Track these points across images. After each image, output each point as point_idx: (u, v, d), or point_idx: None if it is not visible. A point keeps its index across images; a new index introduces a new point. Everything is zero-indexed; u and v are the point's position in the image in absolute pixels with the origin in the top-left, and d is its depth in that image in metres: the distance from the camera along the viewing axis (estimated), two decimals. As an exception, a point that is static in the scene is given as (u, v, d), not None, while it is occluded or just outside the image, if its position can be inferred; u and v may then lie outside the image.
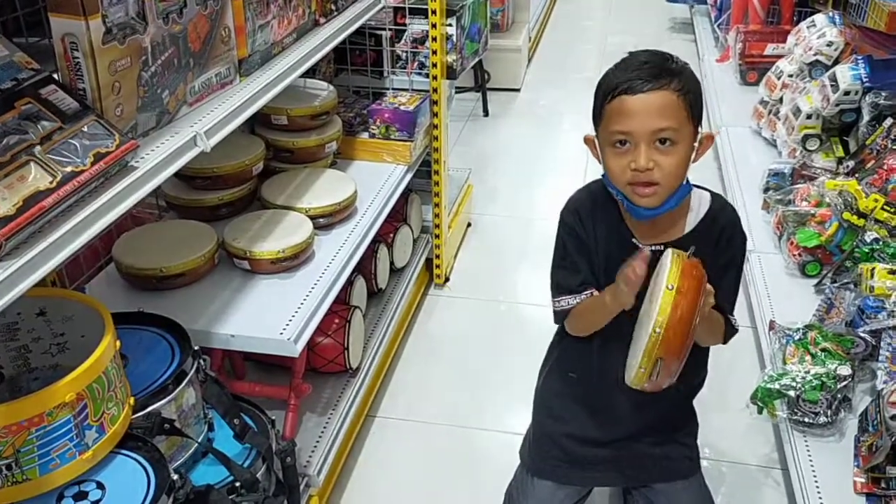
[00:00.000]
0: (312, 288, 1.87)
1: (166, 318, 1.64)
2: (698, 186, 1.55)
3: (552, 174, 3.95)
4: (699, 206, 1.53)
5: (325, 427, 2.02)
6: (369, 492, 2.13)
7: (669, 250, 1.34)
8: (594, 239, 1.55)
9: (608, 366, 1.55)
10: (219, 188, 2.09)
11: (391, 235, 2.57)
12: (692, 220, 1.52)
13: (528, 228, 3.41)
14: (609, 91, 1.39)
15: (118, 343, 1.36)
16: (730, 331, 1.56)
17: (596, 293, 1.54)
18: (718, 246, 1.52)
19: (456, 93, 4.53)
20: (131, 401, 1.40)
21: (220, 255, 1.94)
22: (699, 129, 1.43)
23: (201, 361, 1.59)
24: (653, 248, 1.48)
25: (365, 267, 2.41)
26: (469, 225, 3.38)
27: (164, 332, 1.63)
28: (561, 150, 4.22)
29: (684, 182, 1.45)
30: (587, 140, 1.51)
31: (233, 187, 2.11)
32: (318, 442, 1.97)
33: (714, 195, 1.56)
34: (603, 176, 1.48)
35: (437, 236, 2.85)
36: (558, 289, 1.59)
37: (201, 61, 1.61)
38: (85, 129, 1.28)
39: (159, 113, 1.49)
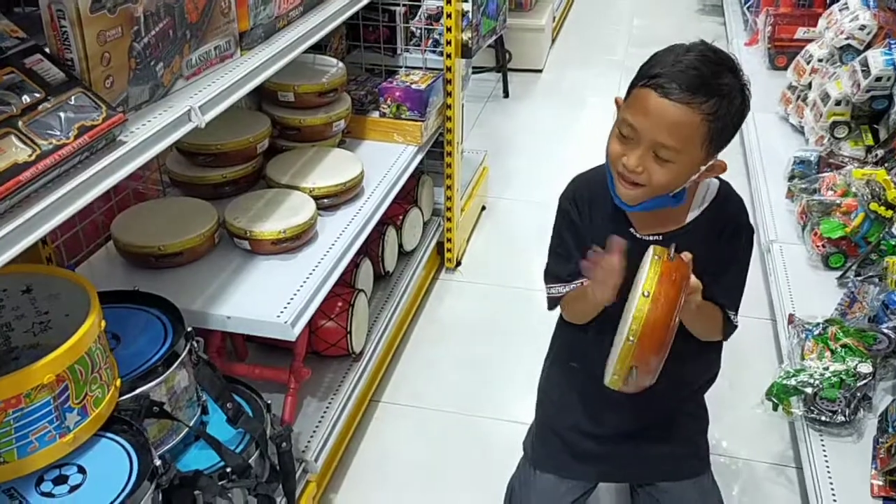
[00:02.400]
0: (313, 270, 1.82)
1: (161, 298, 1.60)
2: None
3: (572, 158, 3.81)
4: (705, 194, 1.45)
5: (325, 412, 1.98)
6: (370, 478, 2.08)
7: (651, 248, 1.28)
8: (590, 226, 1.49)
9: (606, 356, 1.49)
10: (222, 165, 2.04)
11: (400, 217, 2.51)
12: (695, 210, 1.45)
13: (545, 213, 3.25)
14: (646, 77, 1.30)
15: (103, 323, 1.31)
16: (728, 327, 1.49)
17: (587, 283, 1.47)
18: (721, 238, 1.45)
19: (476, 72, 4.45)
20: (118, 383, 1.36)
21: (220, 234, 1.89)
22: (714, 155, 1.33)
23: (194, 343, 1.54)
24: (650, 238, 1.41)
25: (372, 249, 2.36)
26: (483, 208, 3.31)
27: (159, 313, 1.59)
28: (582, 133, 4.12)
29: (672, 194, 1.36)
30: (617, 101, 1.41)
31: (236, 165, 2.06)
32: (317, 427, 1.93)
33: (723, 183, 1.48)
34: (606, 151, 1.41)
35: (449, 219, 2.79)
36: (549, 275, 1.55)
37: (199, 34, 1.55)
38: (71, 101, 1.23)
39: (153, 86, 1.44)
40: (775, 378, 2.02)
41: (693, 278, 1.30)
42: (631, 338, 1.23)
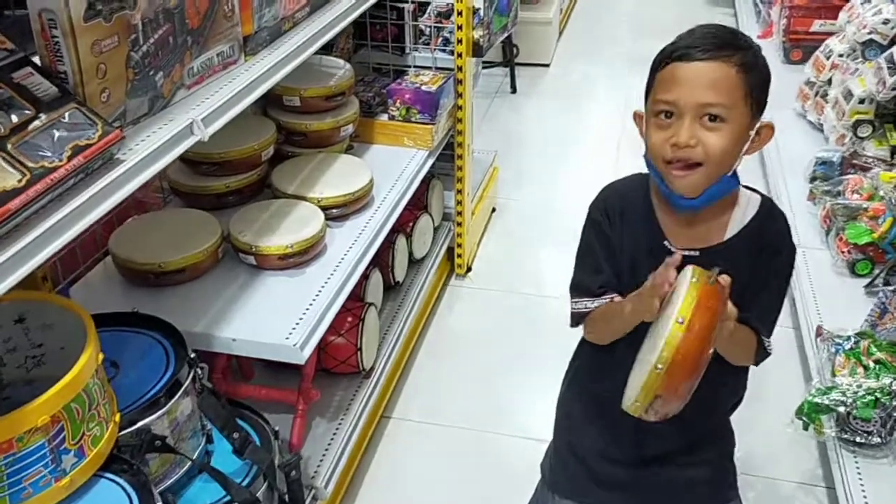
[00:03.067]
0: (322, 287, 1.73)
1: (162, 321, 1.51)
2: (747, 188, 1.38)
3: (583, 155, 3.77)
4: (745, 208, 1.35)
5: (334, 434, 1.89)
6: (381, 499, 2.00)
7: (689, 269, 1.18)
8: (621, 238, 1.40)
9: (626, 372, 1.41)
10: (225, 174, 1.95)
11: (410, 225, 2.42)
12: (735, 225, 1.35)
13: (557, 214, 3.23)
14: (663, 58, 1.25)
15: (101, 356, 1.22)
16: (761, 354, 1.39)
17: (617, 298, 1.38)
18: (761, 257, 1.35)
19: (483, 68, 4.34)
20: (117, 418, 1.27)
21: (224, 248, 1.80)
22: (758, 117, 1.26)
23: (198, 370, 1.45)
24: (686, 252, 1.31)
25: (381, 259, 2.26)
26: (494, 210, 3.22)
27: (160, 336, 1.50)
28: (592, 129, 4.03)
29: (730, 173, 1.28)
30: (636, 116, 1.35)
31: (240, 174, 1.96)
32: (326, 450, 1.84)
33: (764, 198, 1.38)
34: (645, 157, 1.33)
35: (460, 224, 2.69)
36: (576, 289, 1.44)
37: (200, 39, 1.46)
38: (64, 118, 1.14)
39: (152, 98, 1.35)
40: (806, 396, 1.93)
41: (729, 304, 1.20)
42: (659, 366, 1.13)
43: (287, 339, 1.57)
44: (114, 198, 1.17)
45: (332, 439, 1.87)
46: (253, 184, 2.00)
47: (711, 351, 1.16)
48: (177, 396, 1.38)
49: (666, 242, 1.36)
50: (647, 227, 1.37)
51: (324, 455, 1.83)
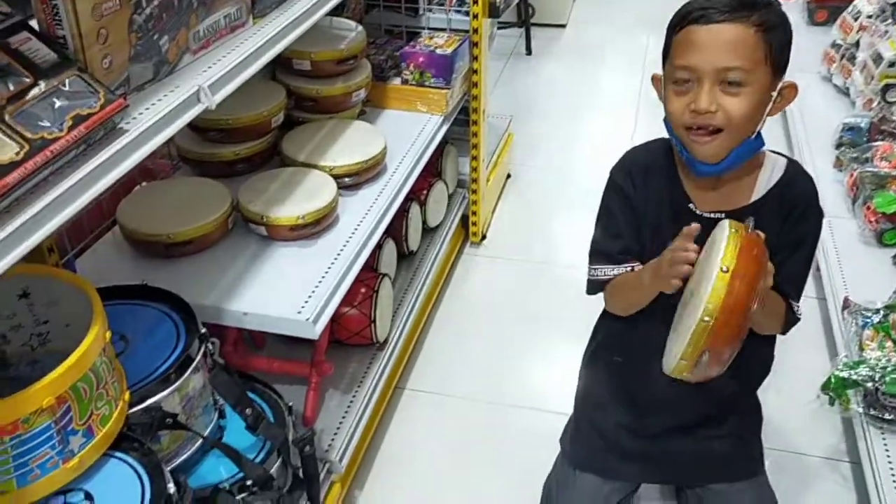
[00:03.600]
0: (335, 259, 1.68)
1: (172, 294, 1.47)
2: (774, 152, 1.34)
3: (600, 119, 3.68)
4: (772, 172, 1.32)
5: (348, 407, 1.85)
6: (396, 473, 1.97)
7: (726, 222, 1.14)
8: (644, 202, 1.36)
9: (655, 349, 1.37)
10: (234, 141, 1.89)
11: (424, 192, 2.36)
12: (761, 188, 1.32)
13: (573, 180, 3.16)
14: (679, 20, 1.22)
15: (108, 334, 1.18)
16: (791, 319, 1.36)
17: (637, 266, 1.35)
18: (788, 220, 1.31)
19: (497, 30, 4.23)
20: (126, 396, 1.23)
21: (234, 217, 1.75)
22: (780, 77, 1.23)
23: (209, 345, 1.41)
24: (711, 215, 1.28)
25: (395, 228, 2.21)
26: (509, 176, 3.15)
27: (170, 309, 1.46)
28: (610, 92, 3.93)
29: (753, 136, 1.24)
30: (654, 79, 1.32)
31: (250, 141, 1.91)
32: (341, 423, 1.81)
33: (791, 161, 1.35)
34: (665, 121, 1.29)
35: (475, 191, 2.63)
36: (595, 255, 1.41)
37: (207, 1, 1.39)
38: (64, 85, 1.08)
39: (157, 63, 1.29)
40: (832, 370, 1.88)
41: (769, 264, 1.16)
42: (706, 318, 1.08)
43: (299, 313, 1.53)
44: (117, 170, 1.11)
45: (346, 412, 1.84)
46: (263, 151, 1.94)
47: (756, 304, 1.11)
48: (188, 372, 1.34)
49: (691, 206, 1.33)
50: (670, 191, 1.34)
51: (338, 429, 1.79)
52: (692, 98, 1.20)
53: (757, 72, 1.18)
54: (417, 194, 2.33)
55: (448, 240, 2.50)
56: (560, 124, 3.60)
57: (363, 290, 1.93)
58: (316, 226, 1.72)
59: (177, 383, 1.32)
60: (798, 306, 1.36)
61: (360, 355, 2.00)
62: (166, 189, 1.78)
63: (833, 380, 1.84)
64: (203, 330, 1.40)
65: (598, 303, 1.50)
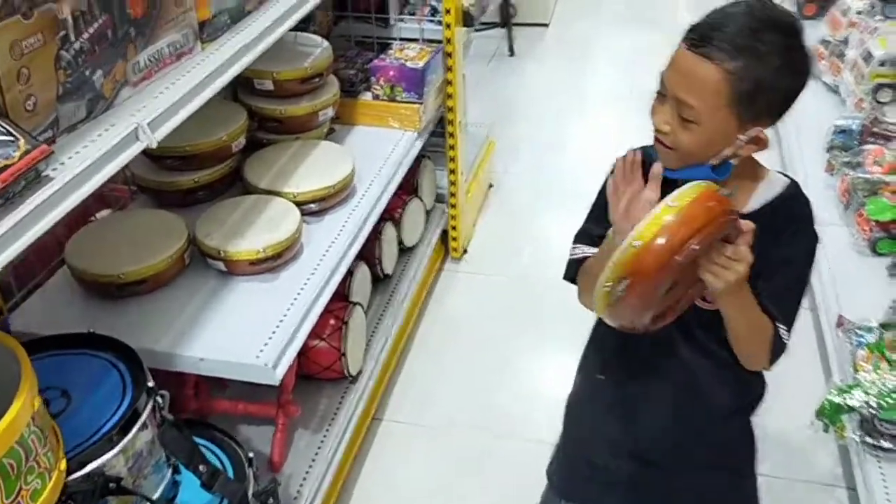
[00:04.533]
0: (298, 295, 1.58)
1: (119, 342, 1.37)
2: (782, 173, 1.28)
3: (585, 121, 3.58)
4: (769, 188, 1.25)
5: (319, 448, 1.76)
6: (373, 510, 1.88)
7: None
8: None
9: (639, 365, 1.35)
10: (193, 168, 1.79)
11: (399, 211, 2.26)
12: (756, 201, 1.24)
13: (558, 186, 3.06)
14: (685, 33, 1.17)
15: (37, 402, 1.08)
16: (777, 345, 1.26)
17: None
18: (779, 239, 1.23)
19: (478, 30, 4.13)
20: (62, 465, 1.13)
21: (191, 252, 1.65)
22: (755, 123, 1.13)
23: (158, 399, 1.32)
24: None
25: (368, 251, 2.11)
26: (490, 186, 3.05)
27: (116, 359, 1.36)
28: (595, 92, 3.83)
29: (713, 164, 1.17)
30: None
31: (210, 167, 1.80)
32: (310, 467, 1.71)
33: (792, 182, 1.27)
34: None
35: (454, 205, 2.53)
36: (579, 235, 1.37)
37: (146, 30, 1.29)
38: (-23, 135, 0.98)
39: (91, 100, 1.19)
40: (826, 395, 1.79)
41: (745, 249, 1.10)
42: (635, 242, 1.03)
43: (258, 357, 1.43)
44: (42, 223, 1.02)
45: (316, 454, 1.74)
46: (224, 177, 1.84)
47: (693, 259, 1.05)
48: (132, 432, 1.24)
49: None
50: (662, 191, 1.26)
51: (307, 473, 1.70)
52: (658, 110, 1.18)
53: (713, 115, 1.12)
54: (391, 213, 2.23)
55: (426, 259, 2.40)
56: (544, 128, 3.51)
57: (332, 321, 1.84)
58: (278, 258, 1.63)
59: (120, 444, 1.22)
60: (785, 331, 1.27)
61: (332, 389, 1.90)
62: (118, 223, 1.68)
63: (827, 405, 1.75)
64: (150, 383, 1.30)
65: (586, 318, 1.41)
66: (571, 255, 1.36)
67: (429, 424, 2.10)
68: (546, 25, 4.49)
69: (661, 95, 1.19)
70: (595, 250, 1.31)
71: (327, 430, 1.79)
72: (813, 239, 1.28)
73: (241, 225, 1.65)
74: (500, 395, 2.17)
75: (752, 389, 1.42)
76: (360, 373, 1.93)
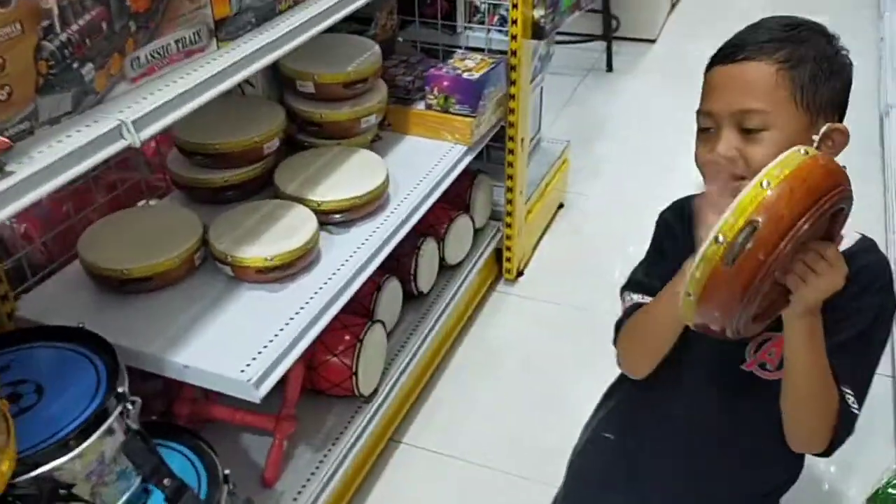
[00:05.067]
0: (301, 309, 1.51)
1: (105, 341, 1.34)
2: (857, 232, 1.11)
3: (680, 149, 3.32)
4: (842, 240, 1.06)
5: (318, 466, 1.68)
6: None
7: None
8: (686, 251, 1.13)
9: (666, 428, 1.22)
10: (223, 167, 1.75)
11: (444, 227, 2.16)
12: None
13: (636, 215, 2.80)
14: (711, 58, 1.10)
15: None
16: (844, 417, 1.05)
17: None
18: (846, 295, 1.02)
19: (575, 42, 3.98)
20: (5, 466, 1.10)
21: (203, 253, 1.61)
22: (825, 119, 1.02)
23: (128, 406, 1.27)
24: None
25: (402, 267, 2.02)
26: (561, 206, 2.90)
27: (98, 360, 1.33)
28: (694, 122, 3.59)
29: None
30: None
31: (240, 167, 1.76)
32: (304, 486, 1.64)
33: (864, 237, 1.11)
34: None
35: (510, 225, 2.41)
36: (632, 283, 1.22)
37: (150, 24, 1.25)
38: (-66, 123, 0.96)
39: (78, 93, 1.15)
40: (882, 478, 1.57)
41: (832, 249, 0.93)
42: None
43: (242, 372, 1.37)
44: (-3, 216, 0.99)
45: (312, 473, 1.67)
46: (255, 178, 1.80)
47: (790, 248, 0.84)
48: (91, 439, 1.20)
49: None
50: None
51: (300, 492, 1.63)
52: (712, 145, 1.05)
53: (781, 113, 1.00)
54: (435, 229, 2.14)
55: (470, 280, 2.29)
56: (631, 151, 3.31)
57: (347, 337, 1.76)
58: (288, 268, 1.56)
59: (77, 449, 1.19)
60: (854, 399, 1.07)
61: (343, 407, 1.83)
62: (135, 218, 1.66)
63: (880, 495, 1.53)
64: (122, 389, 1.26)
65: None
66: (624, 302, 1.20)
67: (450, 454, 1.99)
68: (652, 42, 4.27)
69: (706, 133, 1.06)
70: (647, 300, 1.16)
71: (329, 450, 1.72)
72: (889, 301, 1.08)
73: (255, 230, 1.59)
74: (534, 436, 2.02)
75: (790, 471, 1.25)
76: (374, 393, 1.84)
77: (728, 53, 1.05)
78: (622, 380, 1.33)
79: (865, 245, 1.10)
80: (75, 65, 1.13)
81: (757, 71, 1.01)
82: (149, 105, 1.19)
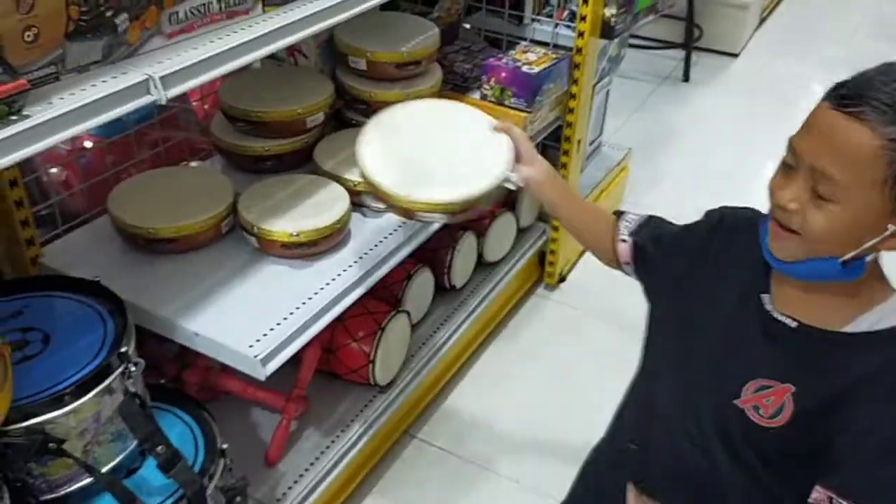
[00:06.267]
0: (321, 290, 1.47)
1: (119, 299, 1.32)
2: None
3: (746, 173, 3.21)
4: (890, 314, 0.96)
5: (323, 452, 1.64)
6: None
7: None
8: (715, 272, 1.10)
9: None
10: (265, 136, 1.72)
11: (486, 223, 2.09)
12: (861, 323, 0.96)
13: None
14: (827, 91, 0.93)
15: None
16: None
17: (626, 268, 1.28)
18: (878, 375, 0.93)
19: (653, 48, 3.85)
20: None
21: (231, 221, 1.58)
22: None
23: (131, 367, 1.25)
24: (782, 319, 1.00)
25: (438, 259, 1.96)
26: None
27: (109, 316, 1.31)
28: (769, 143, 3.42)
29: (842, 260, 0.92)
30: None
31: (281, 138, 1.73)
32: (307, 470, 1.60)
33: None
34: None
35: (556, 228, 2.33)
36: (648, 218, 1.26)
37: (193, -20, 1.21)
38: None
39: (109, 43, 1.12)
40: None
41: None
42: None
43: (251, 347, 1.33)
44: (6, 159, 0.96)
45: (317, 458, 1.63)
46: (297, 151, 1.76)
47: None
48: (88, 396, 1.18)
49: (765, 296, 1.03)
50: (751, 271, 1.05)
51: (301, 476, 1.59)
52: (783, 185, 0.94)
53: (859, 195, 0.87)
54: (477, 224, 2.07)
55: (508, 280, 2.21)
56: (697, 167, 3.18)
57: (370, 323, 1.71)
58: (313, 246, 1.52)
59: (71, 405, 1.17)
60: None
61: (359, 395, 1.78)
62: (168, 178, 1.64)
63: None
64: (126, 349, 1.24)
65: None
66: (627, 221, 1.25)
67: (462, 456, 1.92)
68: (735, 56, 4.10)
69: (788, 167, 0.94)
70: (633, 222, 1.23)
71: (337, 436, 1.68)
72: None
73: (285, 204, 1.55)
74: (550, 450, 1.94)
75: None
76: (391, 384, 1.79)
77: (843, 96, 0.89)
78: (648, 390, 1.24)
79: None
80: (109, 13, 1.10)
81: (859, 137, 0.86)
82: (180, 63, 1.15)
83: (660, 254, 1.20)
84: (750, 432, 1.00)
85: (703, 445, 1.06)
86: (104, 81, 1.09)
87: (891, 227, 0.88)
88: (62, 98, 1.04)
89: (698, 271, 1.11)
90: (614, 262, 1.29)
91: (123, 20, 1.13)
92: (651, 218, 1.26)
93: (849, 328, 0.96)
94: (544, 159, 1.30)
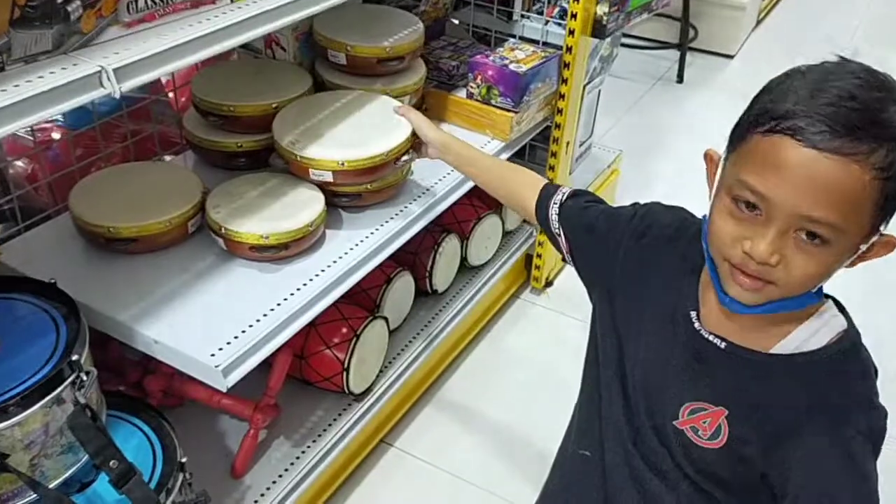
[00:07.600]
0: (289, 296, 1.39)
1: (74, 303, 1.24)
2: (837, 304, 0.93)
3: (738, 172, 3.15)
4: (817, 331, 0.91)
5: (293, 463, 1.57)
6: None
7: None
8: (638, 286, 1.03)
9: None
10: (236, 131, 1.65)
11: (471, 224, 2.02)
12: (791, 343, 0.90)
13: None
14: (771, 117, 0.82)
15: None
16: None
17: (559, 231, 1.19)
18: (808, 408, 0.88)
19: (647, 48, 3.78)
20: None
21: (198, 221, 1.50)
22: (880, 228, 0.83)
23: (82, 376, 1.17)
24: (710, 337, 0.94)
25: (418, 262, 1.90)
26: (605, 218, 2.73)
27: (63, 321, 1.23)
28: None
29: (812, 292, 0.88)
30: (708, 157, 0.98)
31: (255, 134, 1.65)
32: (275, 482, 1.53)
33: (850, 327, 0.92)
34: (703, 226, 0.93)
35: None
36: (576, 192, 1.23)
37: (154, -35, 1.14)
38: None
39: (60, 33, 1.05)
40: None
41: None
42: None
43: (212, 356, 1.26)
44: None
45: (286, 469, 1.56)
46: (271, 147, 1.68)
47: None
48: (34, 408, 1.11)
49: (693, 314, 0.96)
50: (676, 285, 0.99)
51: (268, 489, 1.52)
52: (750, 234, 0.83)
53: (852, 230, 0.80)
54: (461, 226, 2.00)
55: (492, 284, 2.14)
56: (689, 171, 3.05)
57: (344, 329, 1.64)
58: (284, 249, 1.44)
59: (15, 418, 1.09)
60: None
61: (333, 402, 1.71)
62: (137, 174, 1.56)
63: None
64: (78, 357, 1.16)
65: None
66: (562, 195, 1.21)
67: (441, 467, 1.86)
68: (730, 57, 4.04)
69: (746, 209, 0.83)
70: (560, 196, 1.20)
71: (308, 447, 1.60)
72: (870, 417, 0.88)
73: (256, 204, 1.48)
74: (532, 459, 1.87)
75: None
76: (366, 392, 1.72)
77: (801, 128, 0.78)
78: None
79: (850, 342, 0.90)
80: (60, 0, 1.03)
81: (848, 175, 0.77)
82: (136, 54, 1.08)
83: (590, 258, 1.16)
84: (690, 452, 0.95)
85: (658, 466, 1.01)
86: (52, 73, 1.02)
87: (861, 248, 0.83)
88: (4, 90, 0.97)
89: (631, 289, 1.04)
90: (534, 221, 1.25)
91: (76, 7, 1.06)
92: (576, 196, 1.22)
93: (776, 349, 0.91)
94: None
